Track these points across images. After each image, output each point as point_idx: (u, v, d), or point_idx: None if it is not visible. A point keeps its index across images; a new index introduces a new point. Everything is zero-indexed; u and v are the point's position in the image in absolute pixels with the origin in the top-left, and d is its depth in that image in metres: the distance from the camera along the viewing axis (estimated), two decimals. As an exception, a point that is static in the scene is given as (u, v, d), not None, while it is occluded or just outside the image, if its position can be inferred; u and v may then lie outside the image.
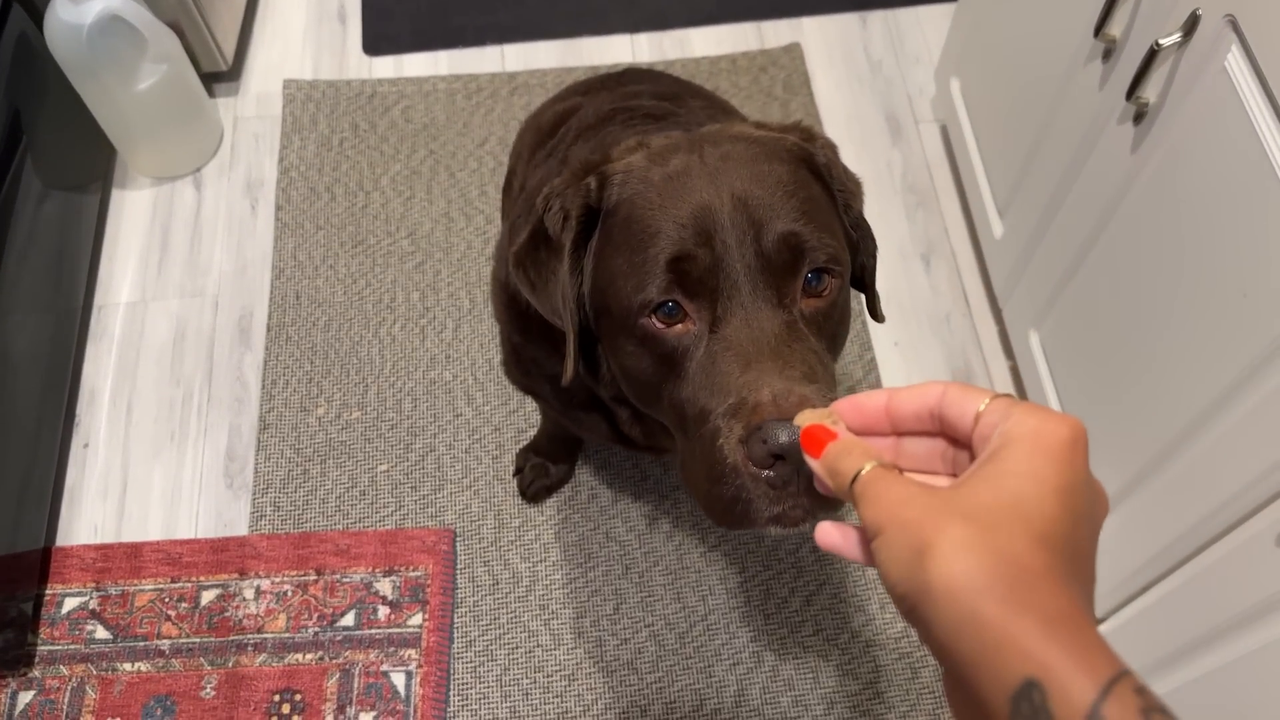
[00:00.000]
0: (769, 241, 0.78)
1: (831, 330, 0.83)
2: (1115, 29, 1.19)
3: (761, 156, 0.84)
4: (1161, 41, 1.06)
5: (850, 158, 1.92)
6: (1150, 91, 1.13)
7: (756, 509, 0.70)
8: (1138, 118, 1.16)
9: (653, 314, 0.80)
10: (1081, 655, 0.40)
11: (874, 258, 0.95)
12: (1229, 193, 1.01)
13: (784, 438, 0.66)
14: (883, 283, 1.81)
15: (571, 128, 1.19)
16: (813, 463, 0.57)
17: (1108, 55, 1.22)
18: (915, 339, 1.75)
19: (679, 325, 0.80)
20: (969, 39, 1.68)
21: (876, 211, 1.88)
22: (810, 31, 2.09)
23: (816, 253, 0.79)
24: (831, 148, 0.93)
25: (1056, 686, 0.40)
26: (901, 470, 0.53)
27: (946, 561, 0.44)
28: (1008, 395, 0.51)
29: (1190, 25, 1.04)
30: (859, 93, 2.02)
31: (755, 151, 0.85)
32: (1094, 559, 0.48)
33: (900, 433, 0.56)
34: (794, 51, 2.05)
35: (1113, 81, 1.21)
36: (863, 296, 0.98)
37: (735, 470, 0.71)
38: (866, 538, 0.50)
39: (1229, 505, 1.07)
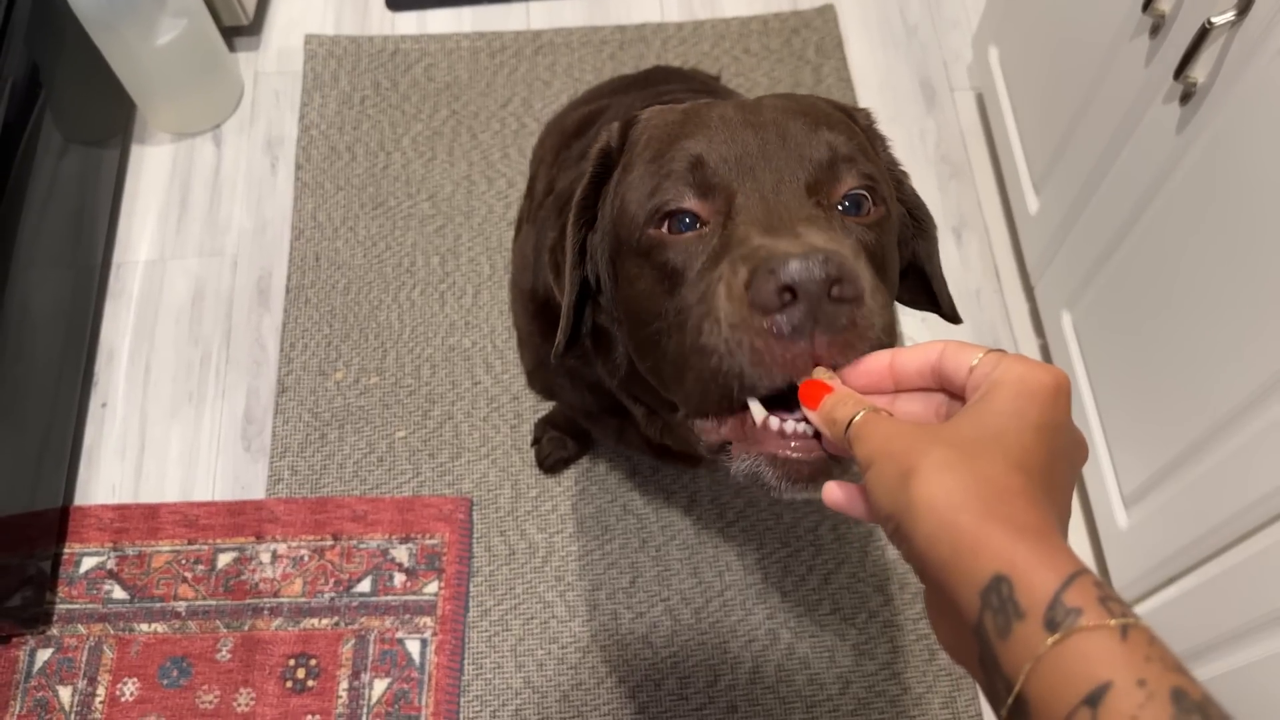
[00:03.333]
0: (807, 142, 0.70)
1: (879, 261, 0.71)
2: (1165, 4, 1.14)
3: (801, 98, 0.78)
4: (1214, 19, 1.01)
5: (883, 125, 1.87)
6: (1199, 71, 1.08)
7: (750, 380, 0.61)
8: (1185, 98, 1.11)
9: (664, 222, 0.71)
10: (1046, 554, 0.44)
11: (935, 241, 0.85)
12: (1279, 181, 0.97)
13: (797, 270, 0.57)
14: (912, 256, 1.77)
15: (601, 129, 1.14)
16: (810, 414, 0.59)
17: (1156, 31, 1.17)
18: (943, 314, 1.71)
19: (690, 234, 0.70)
20: (1010, 6, 1.62)
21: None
22: (845, -9, 2.03)
23: (859, 164, 0.70)
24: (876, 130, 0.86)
25: (1022, 579, 0.43)
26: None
27: (927, 481, 0.48)
28: (1000, 350, 0.54)
29: (1245, 3, 0.99)
30: (893, 57, 1.96)
31: (797, 101, 0.78)
32: (1069, 495, 0.52)
33: (901, 390, 0.59)
34: (827, 13, 1.99)
35: (1160, 59, 1.16)
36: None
37: (733, 329, 0.61)
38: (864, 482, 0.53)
39: (1265, 502, 1.04)
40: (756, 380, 0.61)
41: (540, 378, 1.17)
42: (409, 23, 2.01)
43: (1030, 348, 1.68)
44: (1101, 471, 1.38)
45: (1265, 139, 0.98)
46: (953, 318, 0.88)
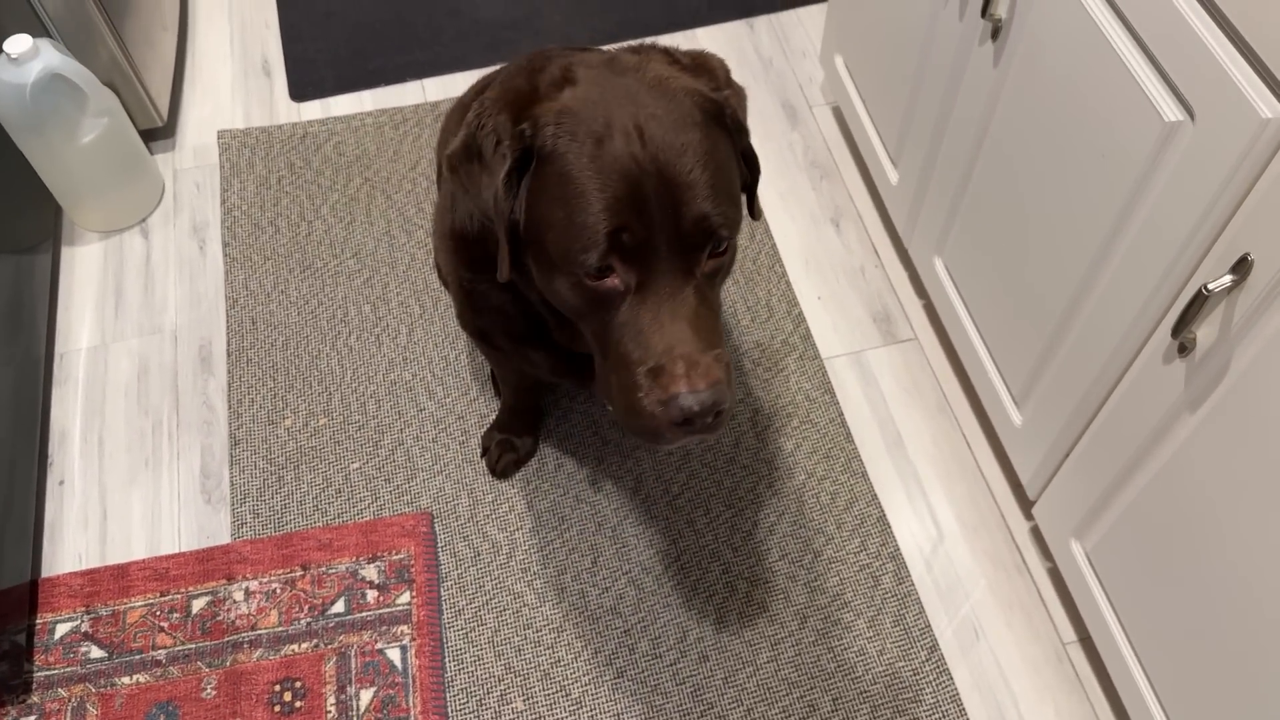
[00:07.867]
0: (687, 222, 0.96)
1: (725, 274, 1.06)
2: (965, -38, 1.37)
3: (680, 124, 0.98)
4: (1001, -41, 1.24)
5: (755, 143, 2.10)
6: (1000, 8, 1.30)
7: (668, 438, 1.00)
8: (994, 34, 1.33)
9: (587, 273, 0.97)
10: None
11: (758, 177, 1.13)
12: (1077, 72, 1.18)
13: (695, 406, 0.96)
14: (800, 246, 1.98)
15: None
16: None
17: (962, -13, 1.40)
18: (836, 292, 1.90)
19: (608, 280, 0.98)
20: (845, 15, 1.87)
21: (786, 188, 2.04)
22: (704, 40, 2.28)
23: (722, 230, 0.98)
24: (739, 96, 1.10)
25: None
26: None
27: None
28: None
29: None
30: (756, 88, 2.20)
31: (674, 115, 0.98)
32: None
33: None
34: (691, 57, 2.23)
35: (969, 7, 1.39)
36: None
37: (653, 417, 0.98)
38: None
39: (1118, 350, 1.21)
40: (675, 437, 1.00)
41: (468, 310, 1.32)
42: (314, 109, 2.18)
43: (915, 307, 1.87)
44: (993, 384, 1.55)
45: (1058, 40, 1.19)
46: (754, 216, 1.16)
